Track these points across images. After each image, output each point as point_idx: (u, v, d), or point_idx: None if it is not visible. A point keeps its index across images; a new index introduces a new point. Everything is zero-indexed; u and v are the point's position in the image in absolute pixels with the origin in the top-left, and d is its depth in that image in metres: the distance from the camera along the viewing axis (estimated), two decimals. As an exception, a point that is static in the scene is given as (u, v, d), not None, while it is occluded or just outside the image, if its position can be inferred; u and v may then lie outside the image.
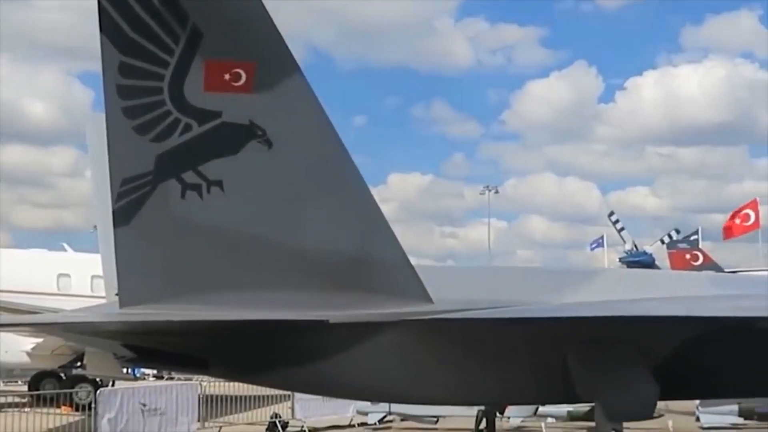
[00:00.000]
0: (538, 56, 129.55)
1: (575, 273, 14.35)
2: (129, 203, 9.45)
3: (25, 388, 36.75)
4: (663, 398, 11.06)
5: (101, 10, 9.01)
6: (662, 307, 10.53)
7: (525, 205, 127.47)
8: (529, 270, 16.40)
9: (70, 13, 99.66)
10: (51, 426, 22.29)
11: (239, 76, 9.37)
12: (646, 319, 9.87)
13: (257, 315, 9.70)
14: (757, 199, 64.78)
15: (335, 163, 10.03)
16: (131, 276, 9.68)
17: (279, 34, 9.46)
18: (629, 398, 10.55)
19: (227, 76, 9.35)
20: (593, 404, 11.05)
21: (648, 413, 10.95)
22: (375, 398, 16.24)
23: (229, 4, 9.39)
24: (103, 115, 9.48)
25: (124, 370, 31.26)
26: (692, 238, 65.43)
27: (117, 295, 10.33)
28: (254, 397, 25.81)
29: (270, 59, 9.51)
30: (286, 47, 9.55)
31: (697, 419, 25.03)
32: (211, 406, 24.26)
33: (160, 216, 9.51)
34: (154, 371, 47.44)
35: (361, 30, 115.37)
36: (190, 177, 9.51)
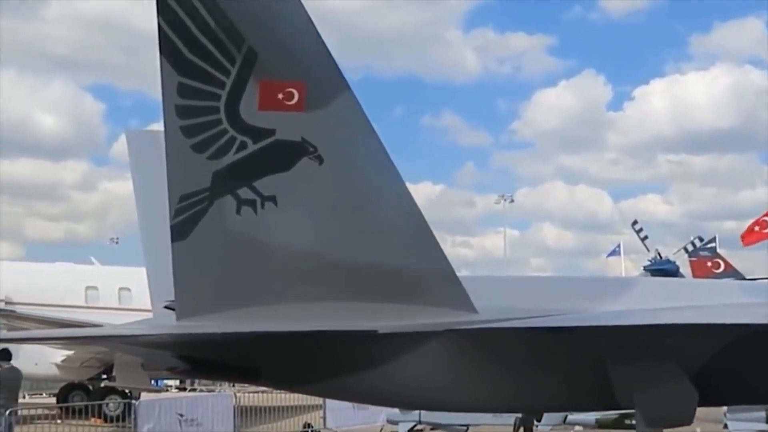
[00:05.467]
0: (547, 65, 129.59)
1: (612, 282, 14.61)
2: (186, 219, 9.75)
3: (51, 400, 37.01)
4: (700, 404, 11.29)
5: (161, 34, 9.32)
6: (701, 315, 10.78)
7: (537, 213, 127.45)
8: (567, 279, 16.63)
9: (77, 26, 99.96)
10: (86, 437, 22.63)
11: (292, 95, 9.70)
12: (686, 327, 10.10)
13: (310, 326, 10.00)
14: (778, 206, 64.61)
15: (383, 177, 10.36)
16: (188, 289, 9.97)
17: (329, 54, 9.80)
18: (670, 405, 10.81)
19: (281, 96, 9.68)
20: (622, 412, 11.25)
21: (688, 419, 11.17)
22: (419, 406, 16.50)
23: (283, 26, 9.73)
24: (143, 131, 9.78)
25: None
26: (710, 245, 65.26)
27: (166, 307, 10.68)
28: (287, 407, 26.13)
29: (321, 79, 9.85)
30: (337, 67, 9.88)
31: (725, 426, 25.11)
32: (246, 416, 24.57)
33: (216, 230, 9.83)
34: (177, 382, 47.64)
35: (367, 39, 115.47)
36: (245, 193, 9.83)
